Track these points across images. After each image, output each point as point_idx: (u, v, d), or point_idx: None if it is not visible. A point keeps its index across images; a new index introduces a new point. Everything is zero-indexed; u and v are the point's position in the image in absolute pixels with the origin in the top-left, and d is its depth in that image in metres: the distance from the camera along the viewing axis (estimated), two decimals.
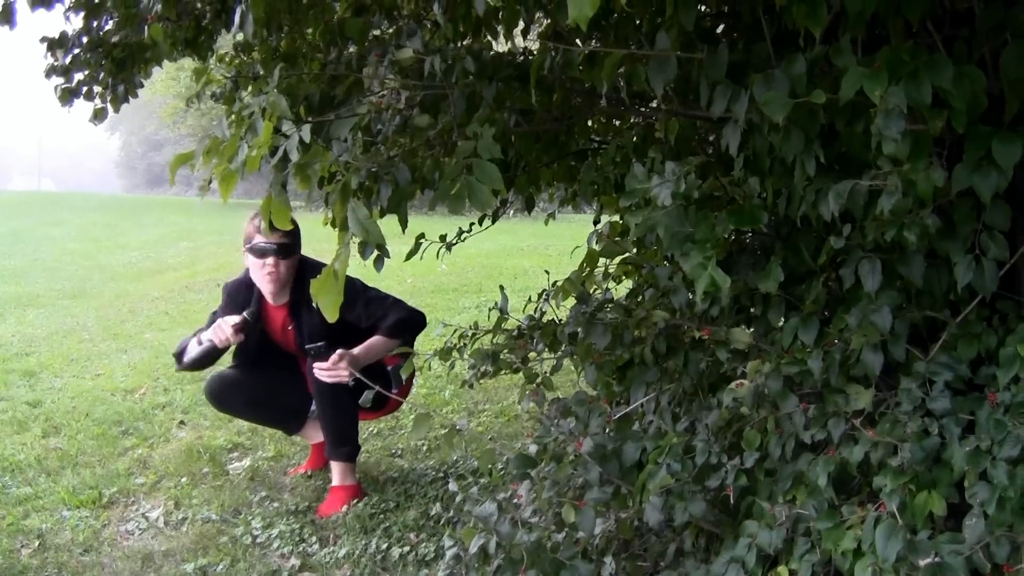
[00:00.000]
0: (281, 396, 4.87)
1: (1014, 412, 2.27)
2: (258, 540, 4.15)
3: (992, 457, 2.23)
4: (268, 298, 4.64)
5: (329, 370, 4.25)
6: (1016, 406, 2.28)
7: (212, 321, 4.64)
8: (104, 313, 10.31)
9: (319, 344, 4.34)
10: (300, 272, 4.61)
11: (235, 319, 4.48)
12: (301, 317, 4.61)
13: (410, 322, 4.55)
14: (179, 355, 4.66)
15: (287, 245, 4.48)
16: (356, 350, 4.35)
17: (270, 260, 4.47)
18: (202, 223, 22.69)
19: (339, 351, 4.27)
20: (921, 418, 2.40)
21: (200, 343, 4.53)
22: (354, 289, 4.40)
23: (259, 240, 4.46)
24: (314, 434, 4.93)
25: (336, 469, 4.58)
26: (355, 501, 4.47)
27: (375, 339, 4.46)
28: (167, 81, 31.89)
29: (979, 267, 2.36)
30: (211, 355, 4.58)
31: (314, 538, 4.13)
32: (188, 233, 20.19)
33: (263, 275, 4.52)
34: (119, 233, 20.92)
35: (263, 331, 4.71)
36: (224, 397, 4.75)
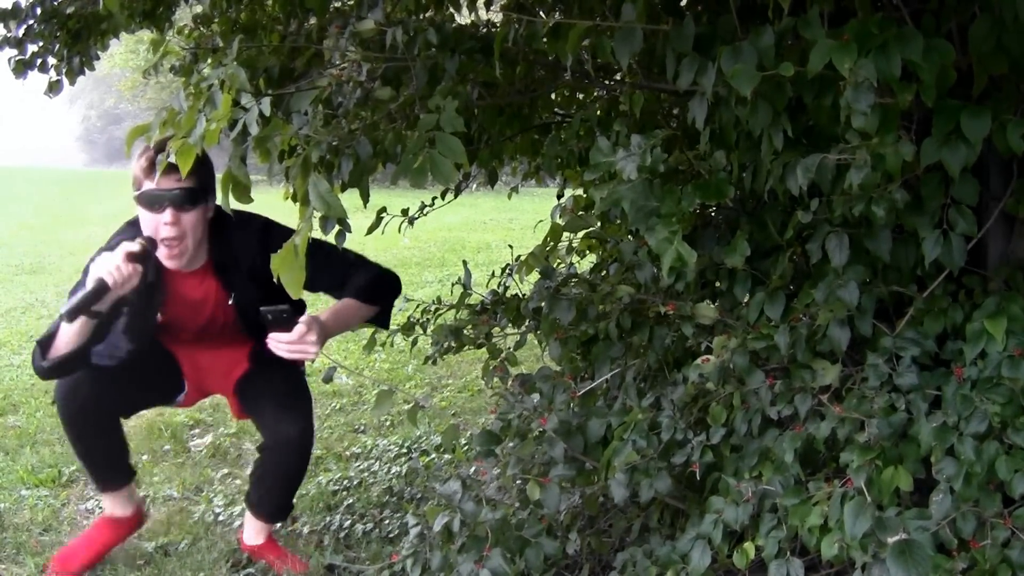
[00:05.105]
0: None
1: (981, 387, 2.27)
2: (220, 518, 4.11)
3: (959, 433, 2.23)
4: (169, 263, 3.27)
5: (294, 344, 3.01)
6: (983, 381, 2.28)
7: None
8: (63, 289, 10.15)
9: (282, 307, 2.96)
10: (218, 225, 3.34)
11: (131, 245, 3.07)
12: (233, 282, 3.41)
13: (385, 282, 3.50)
14: (44, 344, 3.17)
15: (191, 191, 3.15)
16: (324, 316, 3.20)
17: (166, 213, 3.13)
18: None
19: (309, 316, 3.06)
20: (888, 393, 2.41)
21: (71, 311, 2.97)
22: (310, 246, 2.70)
23: (149, 186, 3.13)
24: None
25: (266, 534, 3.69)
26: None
27: (346, 303, 3.36)
28: (126, 54, 31.48)
29: (947, 242, 2.35)
30: (92, 324, 3.10)
31: None
32: None
33: (159, 234, 3.17)
34: (78, 207, 20.70)
35: (155, 302, 3.35)
36: (86, 400, 3.34)
